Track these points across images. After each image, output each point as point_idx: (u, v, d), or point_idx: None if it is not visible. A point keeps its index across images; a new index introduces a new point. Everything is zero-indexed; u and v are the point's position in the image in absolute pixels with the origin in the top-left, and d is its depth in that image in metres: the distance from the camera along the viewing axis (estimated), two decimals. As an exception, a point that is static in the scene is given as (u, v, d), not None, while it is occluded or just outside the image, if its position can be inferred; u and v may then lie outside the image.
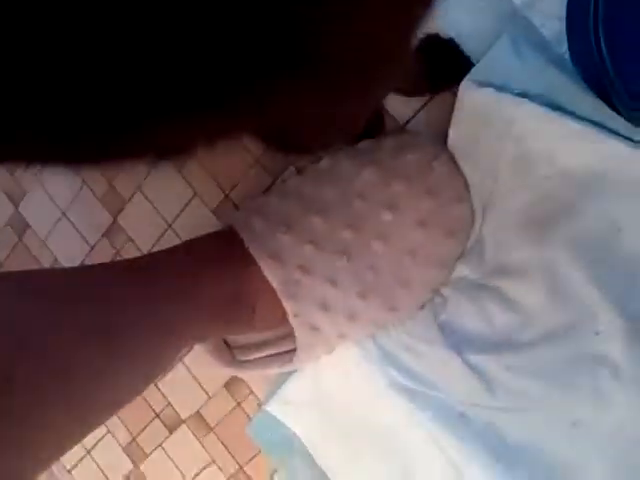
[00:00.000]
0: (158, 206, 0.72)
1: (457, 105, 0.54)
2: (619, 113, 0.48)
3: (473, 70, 0.53)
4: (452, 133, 0.55)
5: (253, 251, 0.55)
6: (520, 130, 0.52)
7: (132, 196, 0.73)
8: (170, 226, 0.71)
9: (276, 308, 0.56)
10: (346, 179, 0.56)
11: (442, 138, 0.56)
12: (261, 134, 0.44)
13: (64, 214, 0.77)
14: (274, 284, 0.55)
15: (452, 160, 0.55)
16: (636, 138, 0.50)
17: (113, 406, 0.48)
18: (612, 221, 0.53)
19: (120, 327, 0.46)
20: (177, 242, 0.70)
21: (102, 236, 0.76)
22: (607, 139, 0.50)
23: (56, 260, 0.79)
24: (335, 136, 0.50)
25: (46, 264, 0.79)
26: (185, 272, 0.54)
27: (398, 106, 0.59)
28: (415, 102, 0.58)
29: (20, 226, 0.80)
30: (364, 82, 0.37)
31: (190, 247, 0.58)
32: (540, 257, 0.55)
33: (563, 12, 0.50)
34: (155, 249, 0.72)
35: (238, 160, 0.67)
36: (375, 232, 0.55)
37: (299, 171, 0.62)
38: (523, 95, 0.51)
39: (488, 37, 0.54)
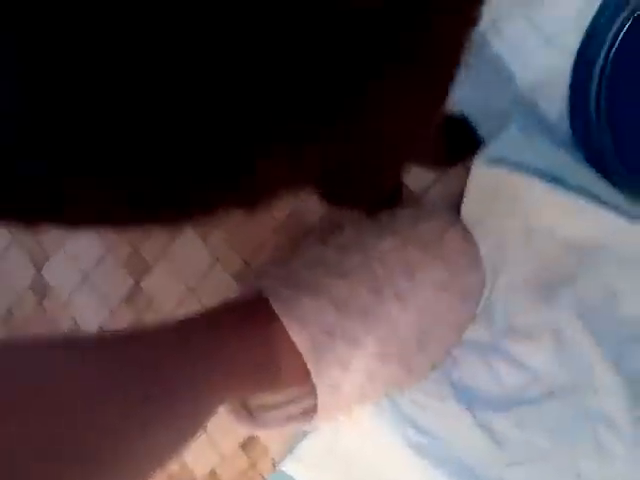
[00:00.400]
0: (180, 271, 0.76)
1: (470, 180, 0.59)
2: (619, 188, 0.53)
3: (486, 150, 0.59)
4: (465, 206, 0.60)
5: (281, 316, 0.59)
6: (527, 205, 0.58)
7: (156, 261, 0.76)
8: (191, 290, 0.75)
9: (299, 369, 0.59)
10: (368, 247, 0.60)
11: (456, 209, 0.61)
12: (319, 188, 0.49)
13: (87, 277, 0.80)
14: (301, 348, 0.58)
15: (465, 230, 0.60)
16: (633, 213, 0.55)
17: (153, 466, 0.51)
18: (609, 287, 0.58)
19: (160, 393, 0.49)
20: (198, 306, 0.75)
21: (123, 300, 0.79)
22: (607, 213, 0.55)
23: (76, 323, 0.82)
24: (376, 194, 0.56)
25: (65, 327, 0.82)
26: (216, 337, 0.58)
27: (414, 178, 0.64)
28: (430, 174, 0.63)
29: (41, 289, 0.83)
30: (398, 152, 0.43)
31: (220, 313, 0.61)
32: (545, 320, 0.60)
33: (565, 93, 0.57)
34: (176, 313, 0.76)
35: (257, 227, 0.71)
36: (394, 296, 0.59)
37: (322, 240, 0.67)
38: (531, 173, 0.57)
39: (495, 114, 0.60)
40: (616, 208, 0.55)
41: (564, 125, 0.57)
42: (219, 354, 0.57)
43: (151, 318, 0.77)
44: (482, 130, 0.60)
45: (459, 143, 0.61)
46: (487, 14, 0.37)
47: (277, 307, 0.59)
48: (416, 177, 0.64)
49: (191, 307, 0.75)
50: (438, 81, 0.38)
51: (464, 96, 0.59)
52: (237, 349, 0.58)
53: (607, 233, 0.56)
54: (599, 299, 0.58)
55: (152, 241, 0.77)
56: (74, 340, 0.53)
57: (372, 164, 0.46)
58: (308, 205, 0.69)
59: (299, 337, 0.58)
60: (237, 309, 0.62)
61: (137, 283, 0.78)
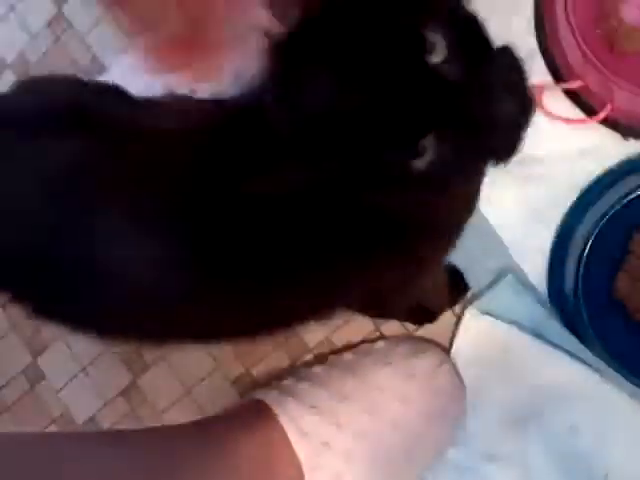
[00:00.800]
0: (178, 372, 0.82)
1: (461, 324, 0.70)
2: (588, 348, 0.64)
3: (477, 302, 0.69)
4: (455, 346, 0.70)
5: (286, 427, 0.66)
6: (508, 351, 0.68)
7: (156, 360, 0.82)
8: (187, 391, 0.81)
9: (297, 476, 0.67)
10: (367, 374, 0.69)
11: (446, 348, 0.71)
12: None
13: (84, 369, 0.85)
14: (301, 457, 0.66)
15: (454, 367, 0.70)
16: (596, 366, 0.66)
17: None
18: (571, 424, 0.68)
19: None
20: (194, 407, 0.81)
21: (119, 395, 0.84)
22: (575, 365, 0.66)
23: (68, 410, 0.86)
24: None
25: (56, 414, 0.86)
26: (226, 439, 0.65)
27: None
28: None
29: (35, 376, 0.87)
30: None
31: (228, 418, 0.69)
32: (516, 449, 0.69)
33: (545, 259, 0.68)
34: (171, 412, 0.81)
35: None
36: (389, 419, 0.67)
37: (317, 357, 0.76)
38: (514, 324, 0.67)
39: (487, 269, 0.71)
40: (583, 362, 0.65)
41: (544, 287, 0.68)
42: (230, 453, 0.64)
43: (145, 414, 0.83)
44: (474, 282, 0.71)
45: (451, 289, 0.72)
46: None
47: (283, 418, 0.67)
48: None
49: (186, 407, 0.81)
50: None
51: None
52: (243, 452, 0.65)
53: (572, 380, 0.66)
54: (563, 434, 0.68)
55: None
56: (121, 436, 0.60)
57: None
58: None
59: (300, 447, 0.66)
60: (245, 415, 0.69)
61: (134, 379, 0.83)
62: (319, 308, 0.53)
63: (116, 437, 0.63)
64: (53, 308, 0.52)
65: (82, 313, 0.50)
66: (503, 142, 0.41)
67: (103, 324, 0.51)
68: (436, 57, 0.38)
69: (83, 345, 0.85)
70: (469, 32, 0.40)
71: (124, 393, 0.84)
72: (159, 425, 0.68)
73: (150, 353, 0.83)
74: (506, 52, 0.41)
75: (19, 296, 0.52)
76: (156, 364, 0.83)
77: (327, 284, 0.50)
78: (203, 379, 0.81)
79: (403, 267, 0.52)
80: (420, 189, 0.42)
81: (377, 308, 0.65)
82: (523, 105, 0.41)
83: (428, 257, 0.54)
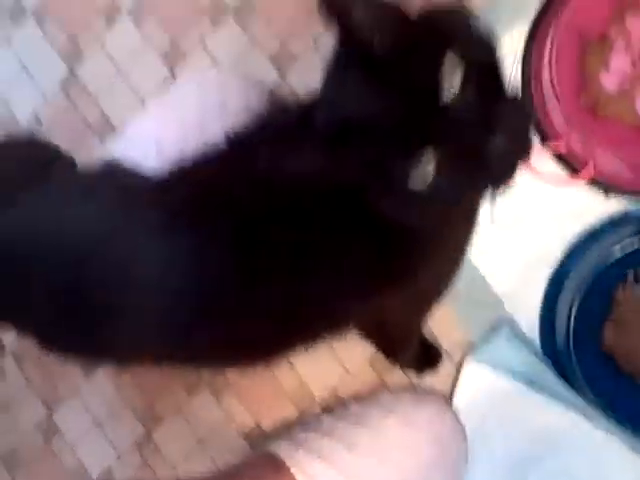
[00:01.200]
0: (191, 424, 0.85)
1: (462, 375, 0.74)
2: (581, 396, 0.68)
3: (476, 352, 0.74)
4: (456, 395, 0.74)
5: (296, 474, 0.70)
6: (507, 399, 0.72)
7: (169, 414, 0.86)
8: (201, 444, 0.85)
9: None
10: (373, 424, 0.72)
11: (447, 396, 0.76)
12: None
13: (99, 423, 0.88)
14: None
15: (456, 415, 0.73)
16: (589, 414, 0.70)
17: None
18: (567, 469, 0.71)
19: None
20: (205, 459, 0.84)
21: (133, 446, 0.87)
22: (569, 413, 0.70)
23: (81, 464, 0.89)
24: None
25: (71, 467, 0.89)
26: None
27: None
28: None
29: (49, 430, 0.90)
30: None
31: (242, 471, 0.72)
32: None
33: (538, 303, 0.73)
34: (184, 465, 0.85)
35: (266, 392, 0.83)
36: (395, 468, 0.71)
37: (323, 408, 0.79)
38: (511, 374, 0.71)
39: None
40: (575, 408, 0.69)
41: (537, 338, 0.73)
42: None
43: (157, 465, 0.86)
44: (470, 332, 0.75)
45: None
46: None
47: (294, 469, 0.70)
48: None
49: (198, 460, 0.85)
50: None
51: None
52: None
53: (566, 427, 0.70)
54: (561, 478, 0.71)
55: (168, 396, 0.86)
56: None
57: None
58: (316, 376, 0.81)
59: None
60: (259, 467, 0.73)
61: (148, 433, 0.87)
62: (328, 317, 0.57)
63: None
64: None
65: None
66: (499, 172, 0.45)
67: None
68: (452, 88, 0.43)
69: (99, 400, 0.89)
70: (489, 71, 0.45)
71: (137, 447, 0.87)
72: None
73: (162, 405, 0.86)
74: (516, 101, 0.46)
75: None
76: (169, 417, 0.86)
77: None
78: (216, 431, 0.84)
79: (402, 286, 0.55)
80: (420, 201, 0.46)
81: (383, 338, 0.72)
82: (523, 146, 0.45)
83: (427, 285, 0.58)
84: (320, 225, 0.51)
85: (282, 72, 0.85)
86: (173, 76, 0.88)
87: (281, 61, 0.85)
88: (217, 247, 0.52)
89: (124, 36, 0.90)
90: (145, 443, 0.87)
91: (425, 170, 0.43)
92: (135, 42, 0.89)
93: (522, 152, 0.46)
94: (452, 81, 0.43)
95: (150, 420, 0.87)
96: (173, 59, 0.88)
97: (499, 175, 0.46)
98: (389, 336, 0.70)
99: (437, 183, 0.44)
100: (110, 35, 0.90)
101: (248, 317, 0.53)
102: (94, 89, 0.91)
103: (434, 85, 0.43)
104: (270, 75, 0.85)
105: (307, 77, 0.83)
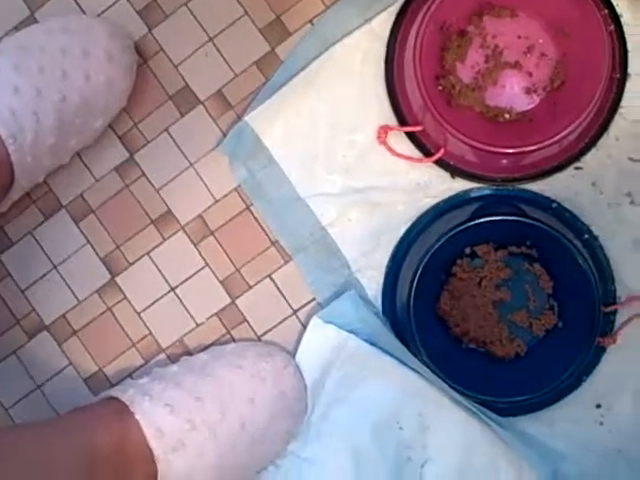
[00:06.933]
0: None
1: (306, 333, 0.79)
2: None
3: (321, 312, 0.78)
4: (300, 351, 0.79)
5: (142, 424, 0.71)
6: (346, 356, 0.77)
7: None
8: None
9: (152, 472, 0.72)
10: (220, 376, 0.75)
11: (292, 352, 0.80)
12: None
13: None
14: (156, 454, 0.70)
15: (299, 370, 0.78)
16: (422, 372, 0.76)
17: None
18: (397, 420, 0.77)
19: None
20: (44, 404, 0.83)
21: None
22: (404, 370, 0.76)
23: None
24: None
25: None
26: (82, 433, 0.69)
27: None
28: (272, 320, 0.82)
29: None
30: None
31: (84, 413, 0.73)
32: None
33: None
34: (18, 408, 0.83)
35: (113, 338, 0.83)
36: (238, 417, 0.74)
37: (170, 357, 0.81)
38: (353, 333, 0.77)
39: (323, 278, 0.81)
40: (412, 368, 0.76)
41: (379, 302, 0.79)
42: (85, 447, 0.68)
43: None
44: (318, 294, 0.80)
45: None
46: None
47: (138, 416, 0.71)
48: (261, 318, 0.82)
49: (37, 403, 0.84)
50: None
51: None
52: (98, 446, 0.69)
53: (403, 384, 0.77)
54: (392, 427, 0.77)
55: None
56: None
57: None
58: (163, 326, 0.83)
59: (155, 442, 0.71)
60: (96, 411, 0.74)
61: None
62: None
63: None
64: None
65: None
66: None
67: None
68: None
69: None
70: None
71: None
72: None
73: None
74: None
75: None
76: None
77: None
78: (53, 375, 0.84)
79: None
80: None
81: None
82: None
83: None
84: None
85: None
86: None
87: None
88: None
89: None
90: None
91: None
92: None
93: None
94: None
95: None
96: None
97: None
98: None
99: None
100: None
101: None
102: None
103: None
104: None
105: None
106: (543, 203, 0.77)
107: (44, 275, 0.85)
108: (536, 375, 0.74)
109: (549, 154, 0.76)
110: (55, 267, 0.84)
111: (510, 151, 0.74)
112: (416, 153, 0.80)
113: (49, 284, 0.85)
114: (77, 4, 0.84)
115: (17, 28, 0.83)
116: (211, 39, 0.83)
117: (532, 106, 0.78)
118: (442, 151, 0.77)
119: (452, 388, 0.74)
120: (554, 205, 0.77)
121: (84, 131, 0.79)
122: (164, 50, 0.83)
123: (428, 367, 0.74)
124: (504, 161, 0.77)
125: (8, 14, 0.84)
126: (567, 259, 0.71)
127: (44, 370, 0.84)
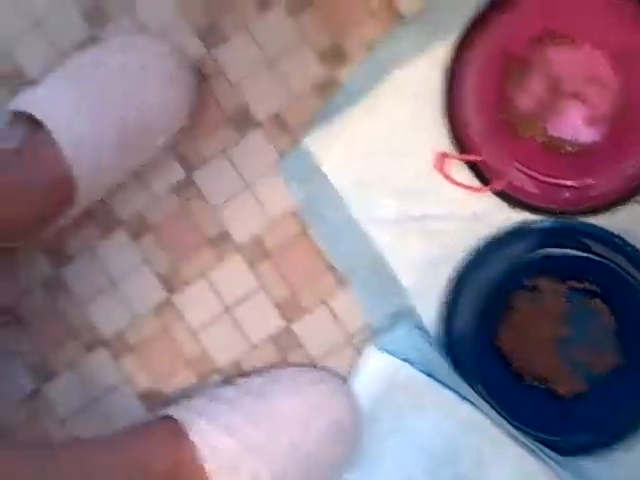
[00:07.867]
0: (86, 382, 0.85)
1: (361, 360, 0.80)
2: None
3: (376, 340, 0.79)
4: (354, 378, 0.80)
5: (197, 445, 0.72)
6: (403, 386, 0.77)
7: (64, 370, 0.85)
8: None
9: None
10: (274, 399, 0.76)
11: (346, 378, 0.81)
12: None
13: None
14: (211, 476, 0.71)
15: (353, 398, 0.78)
16: (479, 405, 0.76)
17: None
18: (454, 452, 0.77)
19: None
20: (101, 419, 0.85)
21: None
22: (461, 403, 0.76)
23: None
24: None
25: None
26: (137, 453, 0.71)
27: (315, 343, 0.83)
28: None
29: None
30: None
31: (139, 431, 0.75)
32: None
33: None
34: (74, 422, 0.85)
35: (169, 359, 0.84)
36: (292, 442, 0.75)
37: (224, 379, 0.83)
38: (408, 362, 0.77)
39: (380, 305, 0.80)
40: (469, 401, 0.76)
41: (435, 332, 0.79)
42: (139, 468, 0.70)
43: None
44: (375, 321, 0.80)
45: None
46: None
47: (194, 436, 0.72)
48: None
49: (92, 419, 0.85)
50: None
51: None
52: (153, 467, 0.70)
53: (460, 417, 0.76)
54: (447, 460, 0.77)
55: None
56: None
57: None
58: (219, 347, 0.84)
59: (210, 465, 0.71)
60: (151, 430, 0.75)
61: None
62: None
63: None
64: None
65: None
66: None
67: None
68: None
69: None
70: None
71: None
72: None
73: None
74: None
75: None
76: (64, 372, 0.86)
77: None
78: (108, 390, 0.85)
79: None
80: None
81: None
82: None
83: None
84: None
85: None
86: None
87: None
88: None
89: None
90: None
91: None
92: None
93: None
94: None
95: (43, 376, 0.86)
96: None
97: None
98: None
99: None
100: None
101: None
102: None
103: None
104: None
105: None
106: (605, 237, 0.76)
107: (101, 290, 0.86)
108: (598, 414, 0.74)
109: (611, 187, 0.75)
110: (113, 283, 0.85)
111: (571, 183, 0.74)
112: (473, 181, 0.79)
113: (106, 299, 0.86)
114: (137, 24, 0.84)
115: (78, 47, 0.84)
116: (271, 62, 0.83)
117: (597, 138, 0.77)
118: (504, 182, 0.76)
119: (510, 424, 0.74)
120: (617, 240, 0.76)
121: (144, 149, 0.80)
122: (223, 71, 0.84)
123: (486, 401, 0.74)
124: (565, 193, 0.76)
125: (69, 34, 0.85)
126: (631, 296, 0.70)
127: (99, 384, 0.86)
